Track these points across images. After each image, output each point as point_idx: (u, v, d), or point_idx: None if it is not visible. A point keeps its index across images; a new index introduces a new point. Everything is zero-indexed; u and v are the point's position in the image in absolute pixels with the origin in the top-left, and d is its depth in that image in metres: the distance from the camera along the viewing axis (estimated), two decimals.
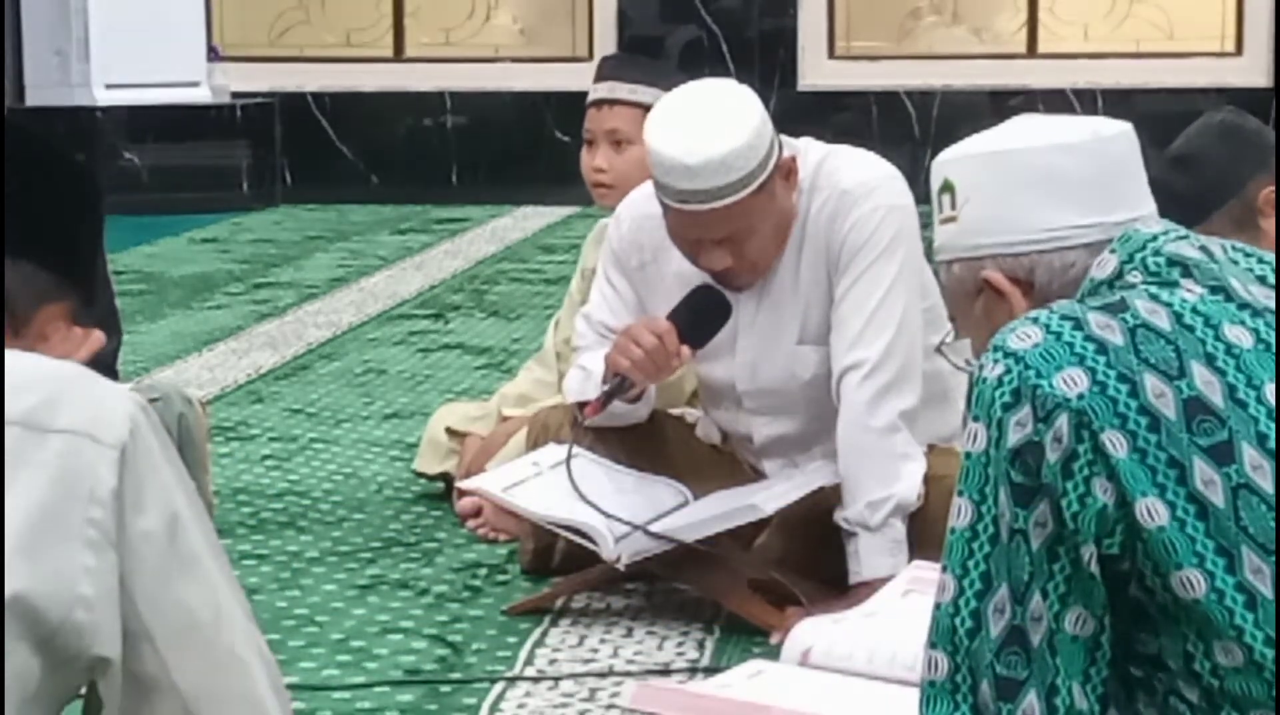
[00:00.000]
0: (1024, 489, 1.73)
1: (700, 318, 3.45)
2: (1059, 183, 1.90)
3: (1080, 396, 1.73)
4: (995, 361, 1.77)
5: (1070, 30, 10.45)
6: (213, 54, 10.45)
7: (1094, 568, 1.73)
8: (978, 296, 1.94)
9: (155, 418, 1.65)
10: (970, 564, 1.76)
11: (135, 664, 1.60)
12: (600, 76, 4.12)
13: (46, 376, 1.62)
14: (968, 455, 1.78)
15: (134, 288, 7.42)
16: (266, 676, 1.68)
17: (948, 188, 1.95)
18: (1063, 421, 1.72)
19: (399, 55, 10.79)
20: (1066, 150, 1.92)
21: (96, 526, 1.57)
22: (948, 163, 1.97)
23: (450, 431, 4.31)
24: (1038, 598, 1.73)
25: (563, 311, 4.38)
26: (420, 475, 4.37)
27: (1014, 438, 1.74)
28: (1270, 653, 1.70)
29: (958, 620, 1.76)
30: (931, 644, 1.78)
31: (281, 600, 3.64)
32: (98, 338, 1.80)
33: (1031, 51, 10.47)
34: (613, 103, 4.06)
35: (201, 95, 10.25)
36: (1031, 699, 1.74)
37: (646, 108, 4.02)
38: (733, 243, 3.36)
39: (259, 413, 5.30)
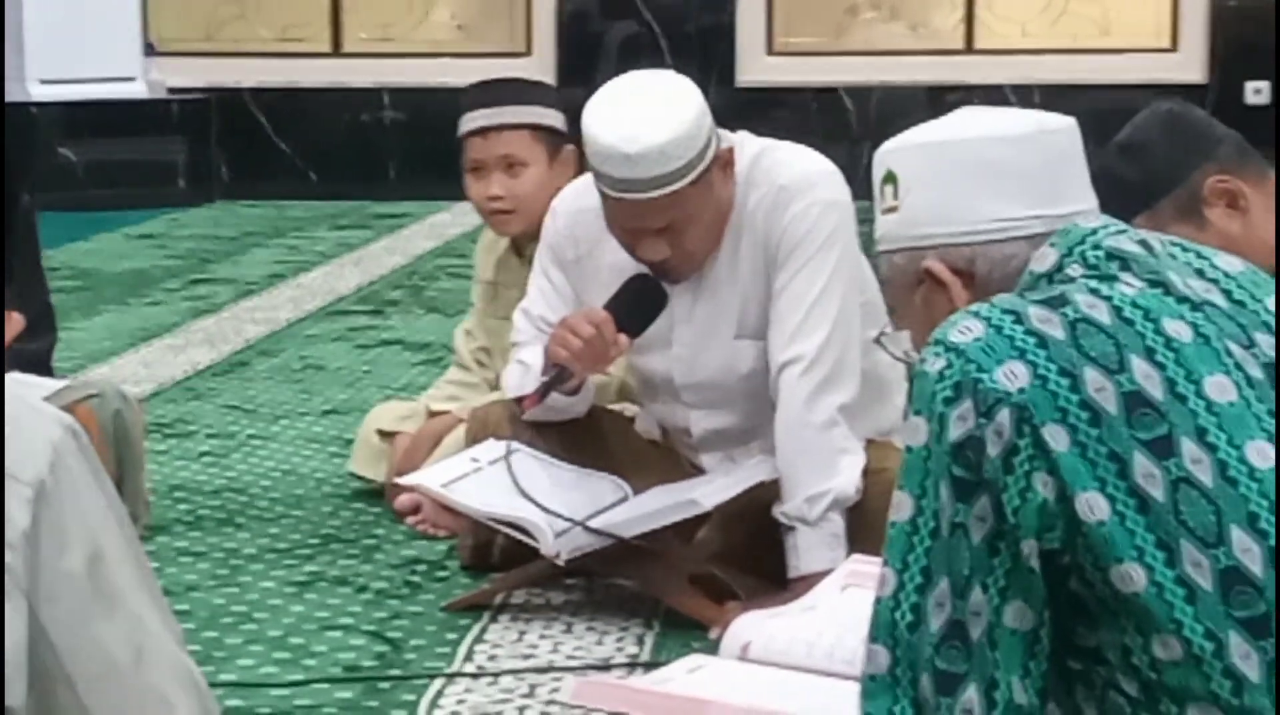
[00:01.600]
0: (965, 483, 1.74)
1: (637, 306, 3.45)
2: (1002, 174, 1.91)
3: (1021, 390, 1.73)
4: (936, 355, 1.77)
5: (1007, 26, 10.49)
6: (148, 49, 10.39)
7: (1034, 562, 1.73)
8: (918, 287, 1.94)
9: (85, 440, 1.59)
10: (910, 558, 1.76)
11: (53, 708, 1.55)
12: (475, 104, 4.08)
13: None
14: (909, 449, 1.78)
15: (70, 284, 7.37)
16: (197, 706, 1.63)
17: (890, 178, 1.96)
18: (1004, 416, 1.73)
19: (337, 51, 10.75)
20: (1010, 142, 1.92)
21: (4, 571, 1.51)
22: (891, 153, 1.97)
23: (381, 433, 4.30)
24: (978, 592, 1.74)
25: (470, 321, 4.39)
26: (356, 476, 4.36)
27: (955, 432, 1.74)
28: (1210, 645, 1.70)
29: (898, 614, 1.76)
30: (872, 638, 1.78)
31: (219, 597, 3.63)
32: (16, 321, 1.71)
33: (969, 48, 10.50)
34: (500, 128, 4.04)
35: (137, 91, 10.18)
36: (971, 693, 1.74)
37: (534, 127, 4.03)
38: (671, 233, 3.36)
39: (196, 409, 5.27)
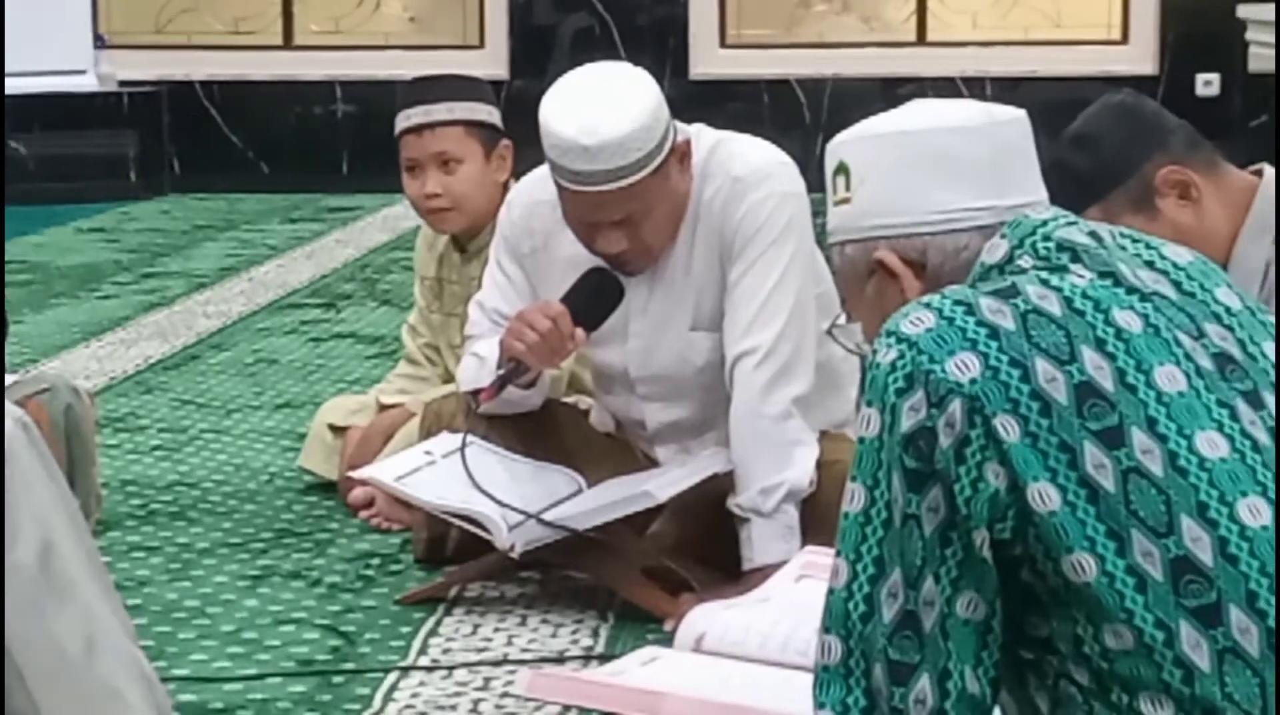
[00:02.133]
0: (917, 474, 1.74)
1: (593, 300, 3.45)
2: (953, 165, 1.91)
3: (972, 381, 1.74)
4: (888, 346, 1.78)
5: (959, 19, 10.52)
6: (99, 42, 10.35)
7: (986, 552, 1.74)
8: (870, 278, 1.95)
9: (36, 433, 1.60)
10: (864, 549, 1.77)
11: (5, 701, 1.55)
12: (409, 102, 4.09)
13: None
14: (861, 440, 1.78)
15: (20, 278, 7.34)
16: (147, 699, 1.63)
17: (843, 169, 1.96)
18: (955, 406, 1.73)
19: (288, 43, 10.72)
20: (961, 133, 1.93)
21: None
22: (843, 144, 1.97)
23: (332, 429, 4.29)
24: (930, 582, 1.74)
25: (413, 317, 4.39)
26: (306, 471, 4.35)
27: (907, 423, 1.74)
28: (1160, 635, 1.71)
29: (851, 605, 1.77)
30: (825, 629, 1.79)
31: (172, 592, 3.62)
32: None
33: (921, 40, 10.53)
34: (434, 125, 4.05)
35: (88, 83, 10.14)
36: (924, 683, 1.74)
37: (468, 123, 4.04)
38: (629, 225, 3.36)
39: (148, 403, 5.26)
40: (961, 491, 1.73)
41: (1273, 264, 2.89)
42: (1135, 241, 1.89)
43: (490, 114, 4.12)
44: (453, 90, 4.11)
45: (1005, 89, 9.66)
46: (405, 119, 4.08)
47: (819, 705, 1.78)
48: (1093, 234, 1.86)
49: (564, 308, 3.42)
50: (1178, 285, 1.85)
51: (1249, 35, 9.93)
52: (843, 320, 2.03)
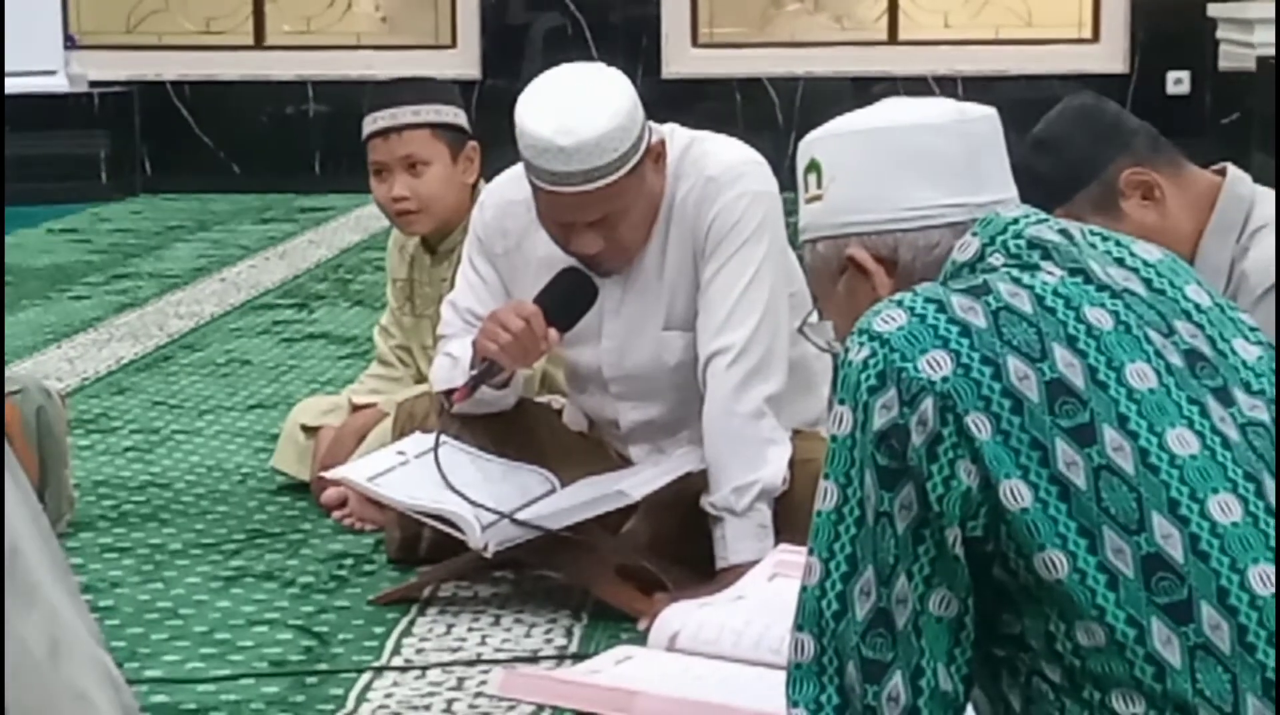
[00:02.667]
0: (889, 472, 1.74)
1: (567, 300, 3.45)
2: (924, 162, 1.92)
3: (944, 379, 1.74)
4: (860, 344, 1.78)
5: (930, 18, 10.54)
6: (69, 42, 10.32)
7: (958, 550, 1.74)
8: (841, 275, 1.95)
9: None
10: (836, 547, 1.77)
11: None
12: (375, 106, 4.09)
13: None
14: (834, 438, 1.78)
15: None
16: (114, 702, 1.62)
17: (814, 167, 1.96)
18: (927, 404, 1.74)
19: (260, 43, 10.71)
20: (932, 130, 1.93)
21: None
22: (815, 142, 1.98)
23: (305, 428, 4.29)
24: (903, 580, 1.74)
25: (385, 319, 4.39)
26: (279, 472, 4.34)
27: (879, 421, 1.75)
28: (1132, 631, 1.72)
29: (824, 603, 1.77)
30: (798, 626, 1.79)
31: (144, 593, 3.61)
32: None
33: (893, 39, 10.55)
34: (400, 129, 4.05)
35: (58, 84, 10.11)
36: (897, 680, 1.75)
37: (434, 125, 4.05)
38: (605, 226, 3.36)
39: (120, 404, 5.25)
40: (934, 489, 1.73)
41: (1238, 262, 2.91)
42: (1105, 239, 1.89)
43: (456, 116, 4.12)
44: (418, 93, 4.12)
45: (977, 88, 9.67)
46: (372, 123, 4.09)
47: (792, 703, 1.79)
48: (1063, 232, 1.87)
49: (538, 308, 3.42)
50: (1148, 282, 1.85)
51: (1219, 33, 9.97)
52: (815, 318, 2.04)
